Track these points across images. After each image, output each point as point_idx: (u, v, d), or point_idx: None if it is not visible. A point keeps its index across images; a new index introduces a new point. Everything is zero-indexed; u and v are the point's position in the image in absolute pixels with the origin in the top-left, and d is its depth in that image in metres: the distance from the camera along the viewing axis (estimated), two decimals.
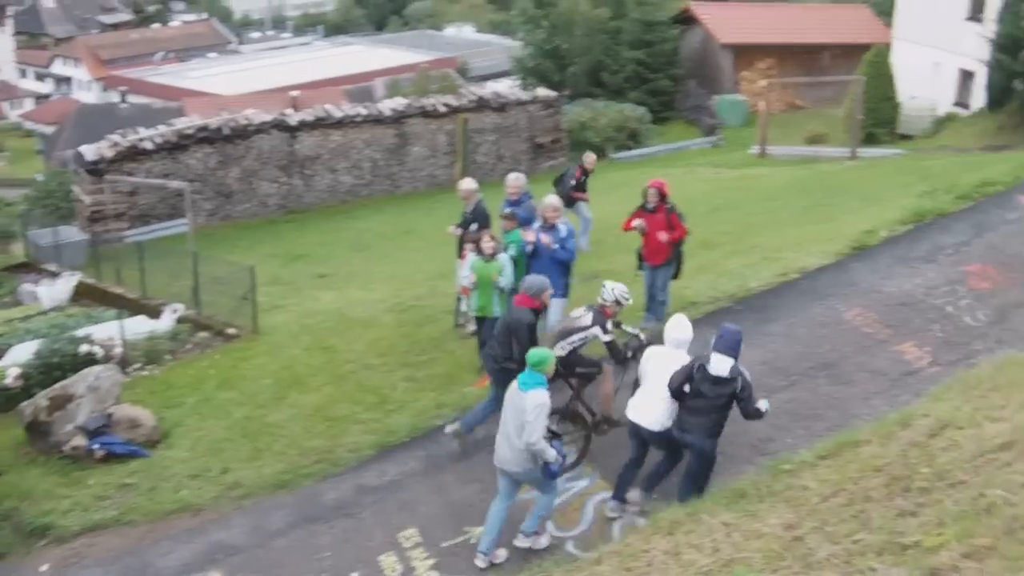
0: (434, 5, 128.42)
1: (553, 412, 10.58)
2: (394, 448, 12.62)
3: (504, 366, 11.43)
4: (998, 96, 32.12)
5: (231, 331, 17.48)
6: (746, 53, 45.87)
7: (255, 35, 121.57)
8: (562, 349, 11.40)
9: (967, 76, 36.30)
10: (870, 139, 33.46)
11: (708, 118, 43.37)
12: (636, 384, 10.80)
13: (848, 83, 35.63)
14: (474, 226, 15.17)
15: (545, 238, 13.29)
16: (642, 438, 10.49)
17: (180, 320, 17.95)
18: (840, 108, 36.95)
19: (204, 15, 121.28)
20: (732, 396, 9.66)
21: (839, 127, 35.10)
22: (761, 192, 25.21)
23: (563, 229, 13.42)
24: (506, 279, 13.55)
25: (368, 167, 29.37)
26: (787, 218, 20.35)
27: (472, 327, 14.78)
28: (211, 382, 15.45)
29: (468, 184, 16.14)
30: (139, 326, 17.45)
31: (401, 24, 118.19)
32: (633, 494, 10.66)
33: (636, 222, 14.17)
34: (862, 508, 7.76)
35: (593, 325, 11.44)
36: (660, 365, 10.30)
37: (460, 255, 15.33)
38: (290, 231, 26.29)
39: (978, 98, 34.49)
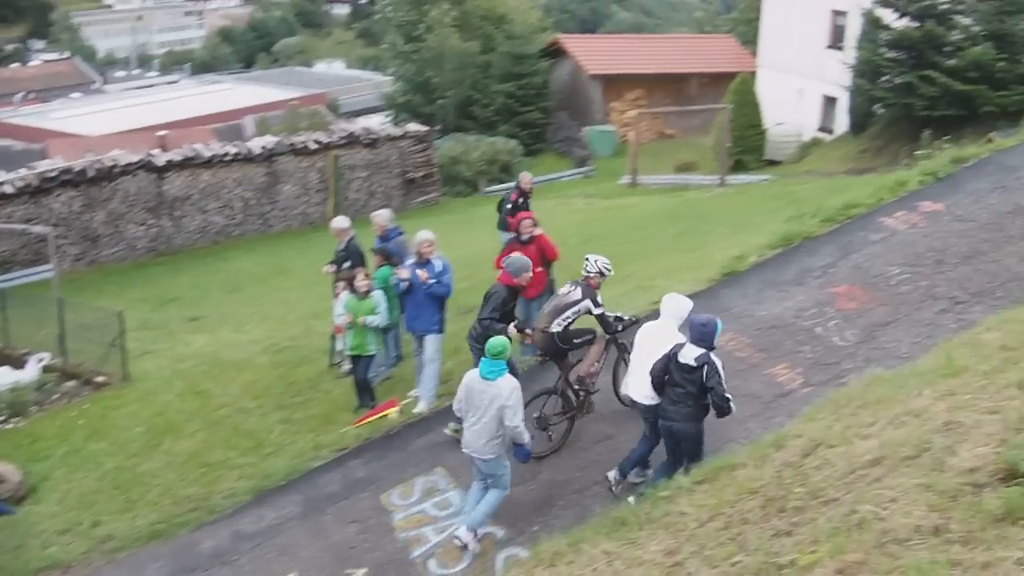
0: (303, 41, 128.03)
1: (542, 393, 11.75)
2: (271, 492, 12.36)
3: (485, 333, 11.52)
4: (860, 120, 33.09)
5: (100, 379, 17.04)
6: (615, 84, 46.54)
7: (120, 74, 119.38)
8: (558, 325, 11.81)
9: (830, 102, 37.40)
10: (738, 166, 34.15)
11: (579, 149, 43.83)
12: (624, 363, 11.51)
13: (716, 111, 36.32)
14: (348, 264, 15.05)
15: (422, 273, 13.17)
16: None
17: (46, 369, 17.44)
18: (708, 136, 37.72)
19: (66, 54, 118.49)
20: (702, 384, 9.80)
21: (708, 155, 35.78)
22: (633, 221, 25.46)
23: (438, 264, 13.32)
24: (379, 317, 13.49)
25: (239, 206, 28.97)
26: (659, 246, 20.58)
27: (348, 366, 14.64)
28: (80, 432, 15.00)
29: (341, 222, 16.01)
30: (2, 377, 16.90)
31: (270, 61, 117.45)
32: (612, 473, 10.90)
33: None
34: (739, 531, 7.80)
35: (584, 298, 11.85)
36: (654, 340, 10.56)
37: (334, 293, 15.17)
38: (160, 274, 25.75)
39: (841, 123, 35.54)
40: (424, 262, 13.31)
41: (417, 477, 11.91)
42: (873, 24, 30.17)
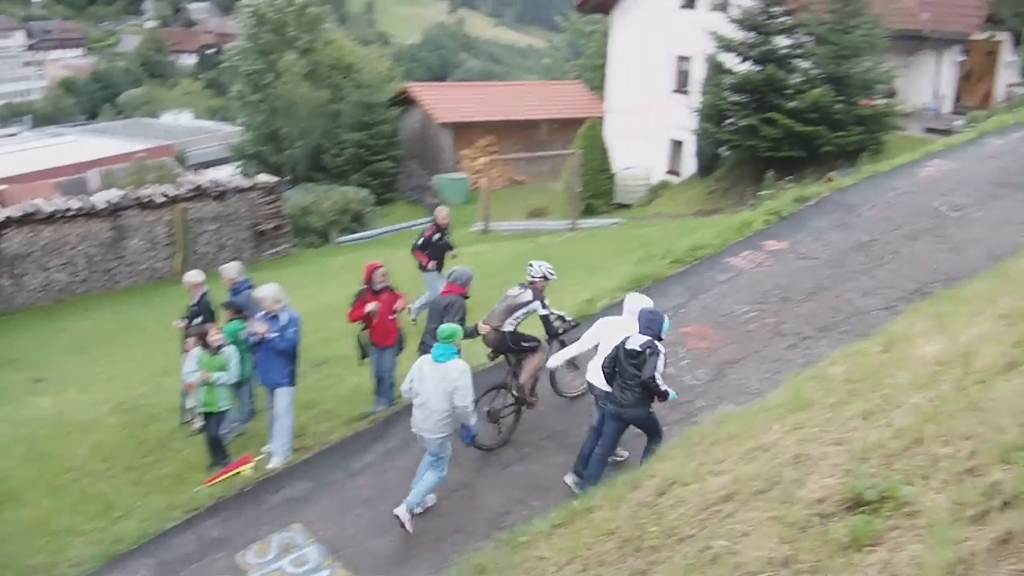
0: (149, 92, 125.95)
1: (492, 388, 12.74)
2: (123, 557, 11.86)
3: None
4: (707, 163, 33.80)
5: None
6: (465, 131, 46.69)
7: None
8: (510, 325, 12.75)
9: (677, 145, 38.14)
10: (589, 210, 34.51)
11: (431, 197, 43.86)
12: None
13: (565, 156, 36.69)
14: (200, 319, 14.70)
15: (262, 327, 12.92)
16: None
17: None
18: (559, 181, 38.05)
19: None
20: (641, 368, 10.44)
21: (559, 200, 36.07)
22: (486, 268, 25.34)
23: (284, 317, 13.08)
24: (231, 373, 13.21)
25: (84, 263, 28.01)
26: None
27: (200, 423, 14.21)
28: None
29: (194, 276, 15.66)
30: None
31: (115, 112, 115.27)
32: (568, 477, 11.48)
33: (370, 305, 13.97)
34: (597, 573, 7.80)
35: (533, 300, 12.78)
36: (614, 332, 11.33)
37: (184, 349, 14.76)
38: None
39: (689, 165, 36.20)
40: (272, 316, 13.07)
41: (273, 534, 11.59)
42: (716, 69, 30.89)
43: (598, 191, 36.30)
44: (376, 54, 65.66)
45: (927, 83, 35.42)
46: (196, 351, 13.58)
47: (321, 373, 17.26)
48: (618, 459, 11.52)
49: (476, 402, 11.27)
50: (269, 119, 49.04)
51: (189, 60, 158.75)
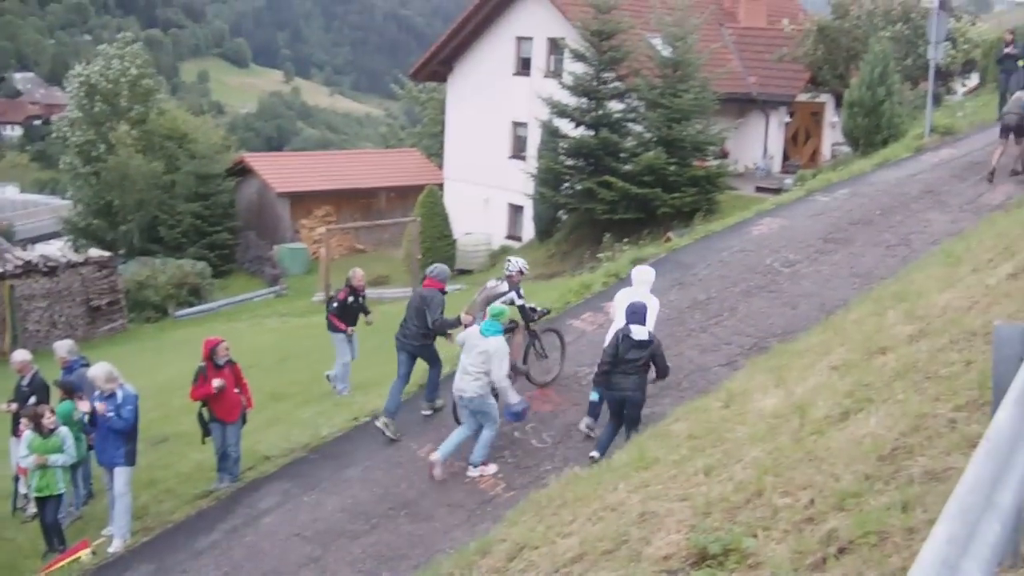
0: None
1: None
2: None
3: (415, 341, 14.53)
4: (546, 227, 34.18)
5: None
6: (303, 201, 46.35)
7: None
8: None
9: (516, 210, 38.48)
10: None
11: (270, 268, 43.28)
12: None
13: (405, 224, 36.71)
14: (32, 400, 14.17)
15: (100, 406, 12.52)
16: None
17: None
18: (400, 249, 38.00)
19: None
20: (652, 355, 12.17)
21: (400, 268, 36.05)
22: (329, 338, 25.21)
23: (120, 396, 12.69)
24: (66, 456, 12.79)
25: None
26: (356, 362, 20.37)
27: (33, 509, 13.68)
28: None
29: (21, 356, 15.17)
30: None
31: None
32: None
33: (217, 381, 13.69)
34: None
35: (509, 291, 14.30)
36: (632, 300, 12.89)
37: (15, 432, 14.21)
38: None
39: (529, 230, 36.52)
40: (108, 395, 12.67)
41: None
42: (552, 134, 31.41)
43: (439, 258, 36.29)
44: (211, 124, 64.83)
45: (757, 143, 36.74)
46: (28, 434, 13.10)
47: (161, 451, 16.82)
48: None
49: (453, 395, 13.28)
50: (101, 191, 47.83)
51: (14, 132, 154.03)
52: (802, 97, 36.48)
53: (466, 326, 13.89)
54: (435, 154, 53.18)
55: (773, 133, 37.01)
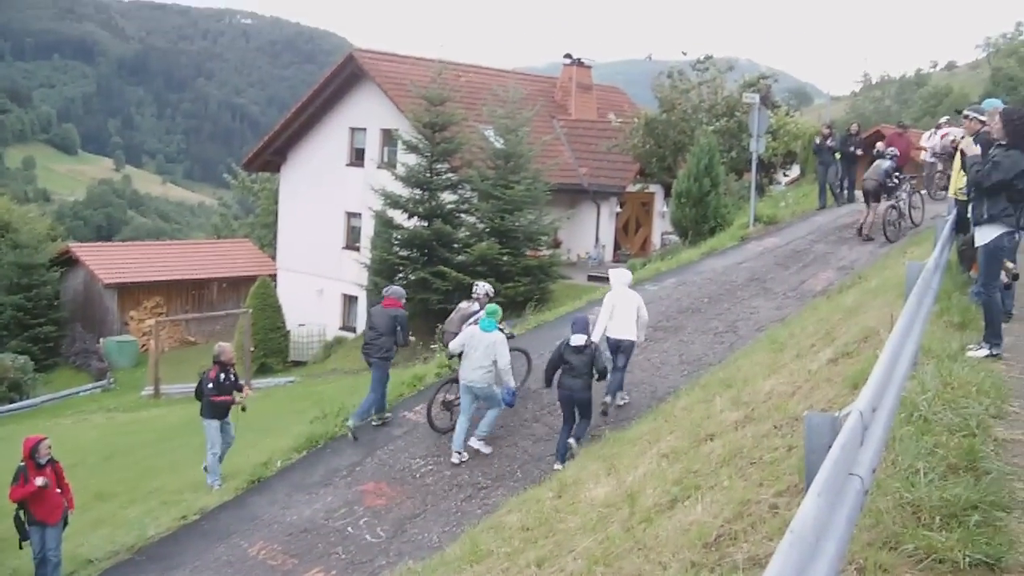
0: None
1: (447, 381, 16.67)
2: None
3: (384, 356, 16.89)
4: None
5: None
6: (132, 292, 45.21)
7: None
8: (466, 326, 15.79)
9: (351, 300, 38.26)
10: (263, 369, 33.95)
11: (97, 362, 41.92)
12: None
13: (237, 315, 36.12)
14: None
15: None
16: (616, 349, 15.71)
17: None
18: (232, 341, 37.24)
19: None
20: (591, 358, 14.20)
21: (232, 360, 35.21)
22: (158, 433, 24.55)
23: None
24: None
25: None
26: (185, 458, 19.85)
27: None
28: None
29: None
30: None
31: None
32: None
33: (40, 480, 13.12)
34: None
35: (480, 309, 16.32)
36: (621, 300, 15.89)
37: None
38: None
39: (363, 320, 36.20)
40: None
41: None
42: (386, 224, 31.36)
43: (272, 349, 35.91)
44: (36, 213, 63.02)
45: (589, 233, 37.44)
46: None
47: None
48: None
49: (435, 394, 16.59)
50: None
51: None
52: (632, 188, 37.40)
53: (444, 336, 16.93)
54: (268, 244, 52.68)
55: (604, 223, 37.79)
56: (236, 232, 63.43)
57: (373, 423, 16.89)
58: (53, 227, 60.20)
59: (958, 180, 12.82)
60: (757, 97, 27.97)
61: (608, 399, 15.61)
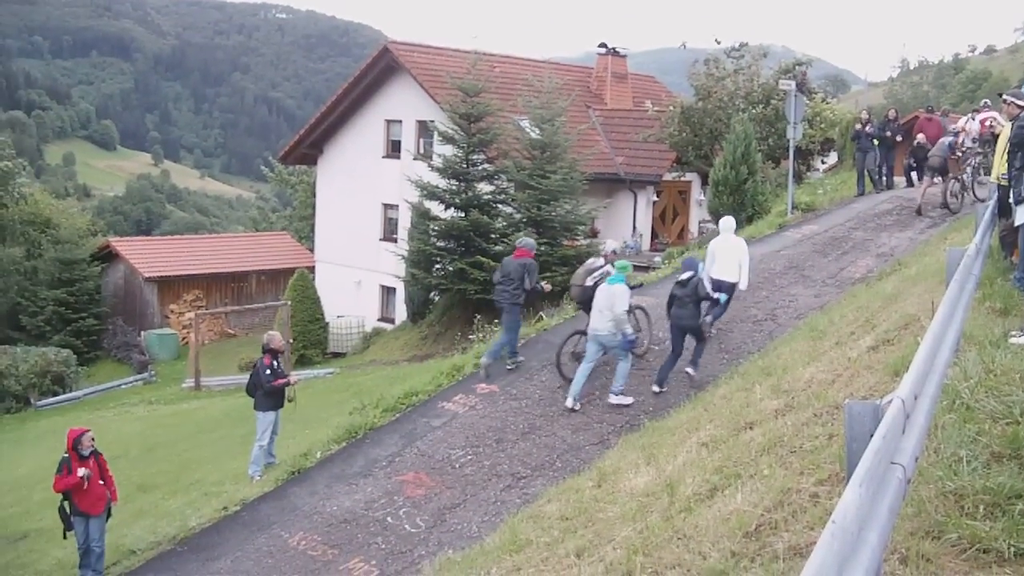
0: None
1: (575, 333, 17.76)
2: None
3: (515, 301, 18.27)
4: (418, 308, 34.07)
5: None
6: (172, 286, 45.59)
7: None
8: (591, 280, 17.19)
9: (389, 292, 38.34)
10: (303, 360, 34.12)
11: (138, 355, 42.28)
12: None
13: (276, 308, 36.31)
14: None
15: None
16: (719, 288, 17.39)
17: None
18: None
19: None
20: (694, 289, 16.02)
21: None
22: (198, 425, 24.73)
23: None
24: None
25: None
26: (226, 450, 20.02)
27: None
28: None
29: None
30: None
31: None
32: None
33: (82, 471, 13.28)
34: None
35: (605, 264, 17.60)
36: (724, 245, 17.99)
37: None
38: None
39: (401, 311, 36.36)
40: None
41: None
42: (422, 216, 31.39)
43: (311, 341, 36.06)
44: (76, 208, 63.57)
45: (626, 222, 37.30)
46: None
47: (20, 549, 16.22)
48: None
49: (563, 343, 17.55)
50: None
51: None
52: (669, 176, 37.25)
53: (571, 290, 18.41)
54: (306, 237, 52.91)
55: (641, 212, 37.66)
56: (274, 225, 63.77)
57: (508, 367, 18.46)
58: (93, 222, 60.72)
59: (1000, 165, 12.65)
60: (793, 84, 27.79)
61: (709, 320, 17.72)
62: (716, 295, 17.04)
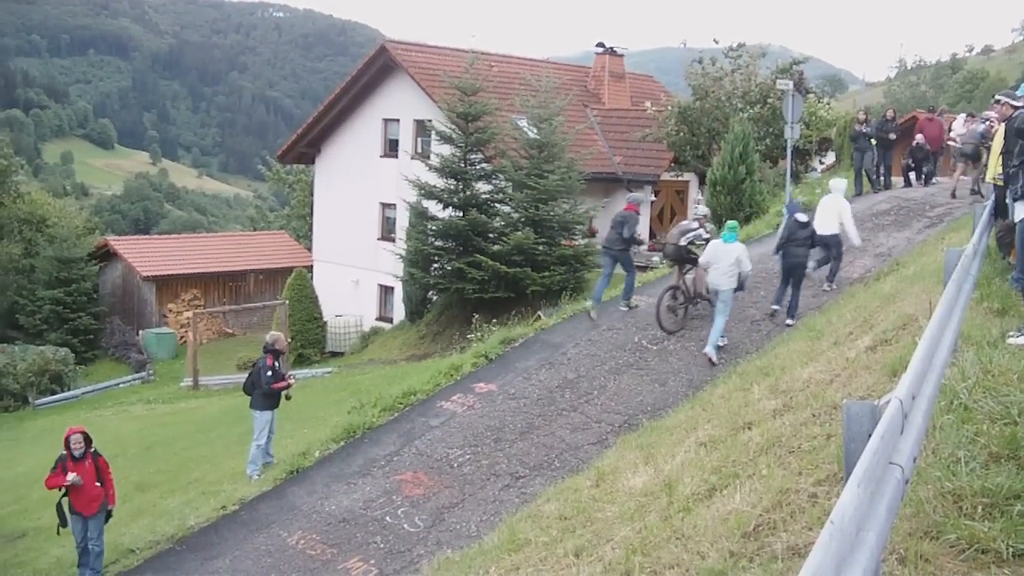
0: None
1: (670, 288, 19.19)
2: None
3: (622, 248, 19.95)
4: (416, 307, 34.09)
5: None
6: (169, 284, 45.57)
7: None
8: (685, 240, 19.03)
9: (387, 291, 38.37)
10: (301, 360, 34.13)
11: (136, 354, 42.32)
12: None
13: (274, 307, 36.32)
14: None
15: None
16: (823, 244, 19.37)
17: None
18: (269, 332, 37.46)
19: None
20: (812, 233, 18.23)
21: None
22: (196, 424, 24.74)
23: None
24: None
25: None
26: (224, 449, 20.02)
27: None
28: None
29: None
30: None
31: None
32: (788, 320, 18.28)
33: (71, 476, 13.29)
34: None
35: (699, 227, 19.37)
36: (828, 203, 19.71)
37: None
38: None
39: (399, 311, 36.38)
40: None
41: None
42: (420, 215, 31.41)
43: (309, 340, 36.08)
44: (74, 207, 63.50)
45: None
46: None
47: (18, 547, 16.21)
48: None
49: (660, 298, 18.86)
50: None
51: None
52: (666, 176, 37.27)
53: (664, 248, 20.34)
54: (304, 236, 52.91)
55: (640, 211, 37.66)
56: (272, 224, 63.72)
57: (622, 307, 20.65)
58: (91, 221, 60.66)
59: (996, 165, 12.68)
60: (791, 83, 27.79)
61: (812, 266, 19.36)
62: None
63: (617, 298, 21.20)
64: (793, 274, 18.16)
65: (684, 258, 19.22)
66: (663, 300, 18.93)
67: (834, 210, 19.52)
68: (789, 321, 18.02)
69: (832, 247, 19.61)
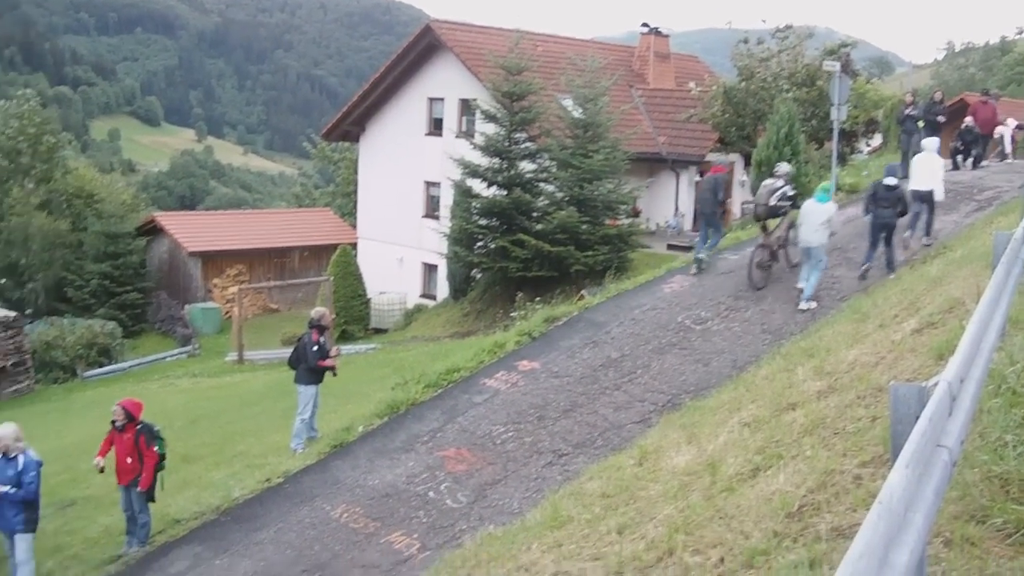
0: None
1: (759, 246, 20.13)
2: None
3: (713, 209, 22.24)
4: (460, 285, 34.18)
5: None
6: (215, 260, 45.90)
7: None
8: (775, 200, 19.83)
9: (430, 269, 38.49)
10: (345, 336, 34.31)
11: (182, 328, 42.71)
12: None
13: (319, 284, 36.52)
14: None
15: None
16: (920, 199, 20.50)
17: None
18: (313, 309, 37.68)
19: None
20: (899, 197, 18.77)
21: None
22: (241, 398, 24.95)
23: (21, 461, 12.28)
24: None
25: None
26: (268, 423, 20.18)
27: None
28: None
29: None
30: None
31: None
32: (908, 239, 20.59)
33: (97, 460, 13.62)
34: None
35: (785, 184, 20.12)
36: (923, 160, 20.91)
37: None
38: None
39: (443, 288, 36.50)
40: (11, 458, 12.28)
41: None
42: (465, 194, 31.48)
43: (353, 317, 36.26)
44: (121, 183, 64.05)
45: (668, 202, 37.22)
46: None
47: (68, 515, 16.40)
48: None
49: (752, 256, 19.94)
50: (5, 250, 46.91)
51: None
52: (711, 157, 37.08)
53: (755, 207, 20.46)
54: (349, 213, 53.10)
55: (684, 192, 37.53)
56: (317, 201, 64.01)
57: (693, 267, 21.73)
58: (138, 197, 61.19)
59: None
60: (838, 65, 27.55)
61: (909, 234, 20.64)
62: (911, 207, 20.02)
63: (658, 278, 21.30)
64: (884, 230, 18.81)
65: (775, 215, 20.19)
66: (754, 257, 20.00)
67: (927, 167, 20.69)
68: (890, 276, 18.65)
69: (927, 202, 20.54)
